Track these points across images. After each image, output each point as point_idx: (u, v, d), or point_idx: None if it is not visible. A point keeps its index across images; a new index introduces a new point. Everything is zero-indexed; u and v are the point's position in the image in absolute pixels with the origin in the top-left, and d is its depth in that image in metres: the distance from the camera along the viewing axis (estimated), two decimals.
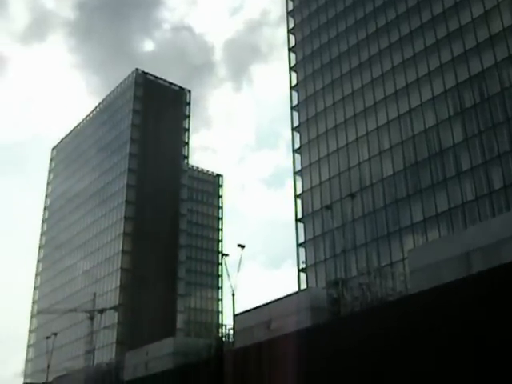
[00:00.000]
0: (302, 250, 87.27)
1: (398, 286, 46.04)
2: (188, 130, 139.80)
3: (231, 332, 52.31)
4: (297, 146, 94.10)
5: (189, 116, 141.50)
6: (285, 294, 44.52)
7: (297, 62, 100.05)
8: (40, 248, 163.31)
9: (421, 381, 29.29)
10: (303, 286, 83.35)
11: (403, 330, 30.87)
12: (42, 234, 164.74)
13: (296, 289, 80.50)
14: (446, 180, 71.40)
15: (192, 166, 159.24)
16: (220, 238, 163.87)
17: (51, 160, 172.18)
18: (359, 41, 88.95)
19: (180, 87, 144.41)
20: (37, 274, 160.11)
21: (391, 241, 75.56)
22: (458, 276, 29.30)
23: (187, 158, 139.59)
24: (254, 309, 46.80)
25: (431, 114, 75.47)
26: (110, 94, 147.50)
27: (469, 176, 69.06)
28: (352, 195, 77.70)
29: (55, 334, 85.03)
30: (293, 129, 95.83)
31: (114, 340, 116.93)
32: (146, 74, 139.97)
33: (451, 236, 52.95)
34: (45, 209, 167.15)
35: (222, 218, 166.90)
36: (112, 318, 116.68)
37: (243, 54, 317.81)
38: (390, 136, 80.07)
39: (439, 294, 29.69)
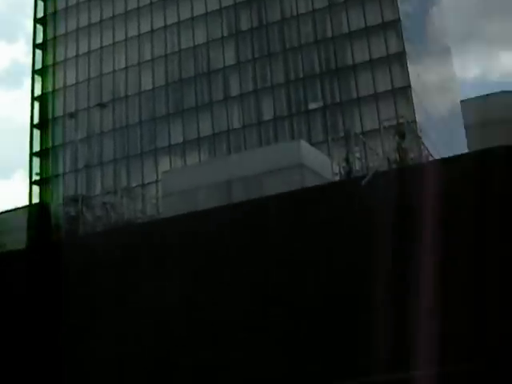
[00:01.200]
0: (36, 160, 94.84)
1: (148, 209, 52.15)
2: None
3: None
4: (39, 40, 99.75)
5: None
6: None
7: None
8: None
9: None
10: (36, 200, 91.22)
11: (145, 249, 33.14)
12: None
13: (27, 203, 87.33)
14: (212, 103, 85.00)
15: None
16: None
17: None
18: None
19: None
20: None
21: (144, 160, 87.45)
22: (218, 204, 32.99)
23: None
24: None
25: (202, 30, 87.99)
26: None
27: (237, 102, 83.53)
28: (102, 105, 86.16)
29: None
30: (36, 20, 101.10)
31: None
32: None
33: (212, 162, 63.86)
34: None
35: None
36: None
37: None
38: (152, 46, 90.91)
39: (194, 219, 32.17)
